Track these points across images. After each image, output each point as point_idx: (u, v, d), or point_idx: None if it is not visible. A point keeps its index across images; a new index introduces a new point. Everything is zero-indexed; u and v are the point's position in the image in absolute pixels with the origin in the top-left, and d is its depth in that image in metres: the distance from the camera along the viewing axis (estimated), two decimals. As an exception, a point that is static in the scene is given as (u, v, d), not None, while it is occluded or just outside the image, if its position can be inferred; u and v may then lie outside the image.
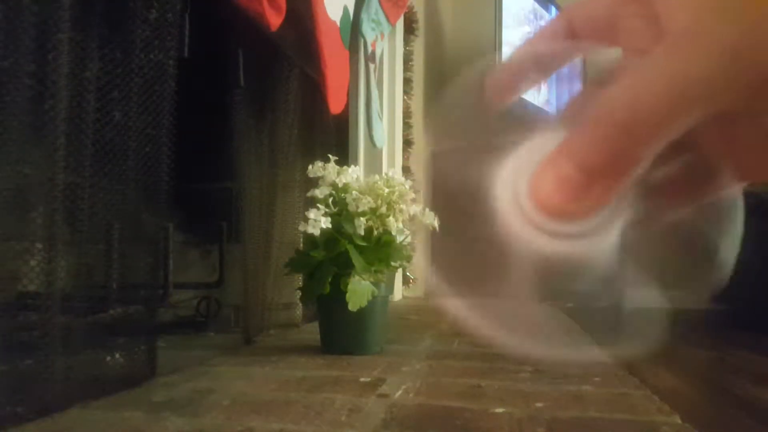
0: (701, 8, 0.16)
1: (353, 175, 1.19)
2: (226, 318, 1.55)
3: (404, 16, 2.38)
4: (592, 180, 0.17)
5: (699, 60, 0.16)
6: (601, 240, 0.18)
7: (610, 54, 0.20)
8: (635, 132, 0.16)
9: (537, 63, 0.22)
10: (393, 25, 2.22)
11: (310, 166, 1.20)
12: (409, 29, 2.52)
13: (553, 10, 3.14)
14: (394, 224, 1.16)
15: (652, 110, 0.16)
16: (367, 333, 1.18)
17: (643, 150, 0.16)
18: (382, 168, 2.18)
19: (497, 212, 0.19)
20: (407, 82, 2.52)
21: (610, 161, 0.17)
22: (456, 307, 0.21)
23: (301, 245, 1.25)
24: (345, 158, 2.04)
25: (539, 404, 0.81)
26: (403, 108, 2.50)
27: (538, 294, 0.20)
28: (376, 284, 1.14)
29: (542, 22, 3.08)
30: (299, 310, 1.59)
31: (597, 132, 0.17)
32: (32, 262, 0.73)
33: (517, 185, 0.18)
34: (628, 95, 0.16)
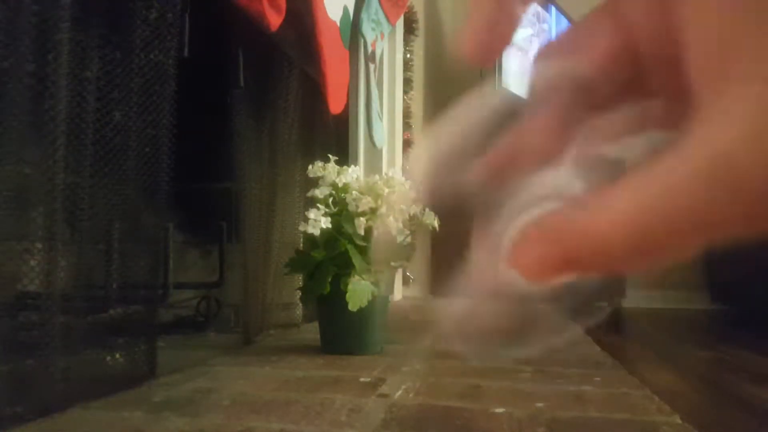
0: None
1: (353, 175, 1.19)
2: (226, 318, 1.55)
3: (404, 16, 2.38)
4: (573, 267, 0.16)
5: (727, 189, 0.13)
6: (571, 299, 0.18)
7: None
8: (632, 250, 0.15)
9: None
10: (393, 25, 2.22)
11: (310, 166, 1.20)
12: (409, 29, 2.53)
13: (553, 10, 3.14)
14: (394, 224, 1.16)
15: (654, 235, 0.14)
16: (367, 333, 1.18)
17: (633, 265, 0.15)
18: (382, 168, 2.18)
19: (473, 267, 0.18)
20: (407, 82, 2.52)
21: (598, 264, 0.15)
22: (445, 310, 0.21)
23: (301, 245, 1.25)
24: (345, 158, 2.04)
25: (539, 404, 0.81)
26: (403, 108, 2.50)
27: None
28: (376, 284, 1.14)
29: (543, 23, 3.07)
30: (299, 310, 1.59)
31: (592, 235, 0.15)
32: (32, 262, 0.73)
33: (498, 245, 0.18)
34: (629, 213, 0.14)
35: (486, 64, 0.18)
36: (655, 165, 0.14)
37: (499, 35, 0.17)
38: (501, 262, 0.17)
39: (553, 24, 3.15)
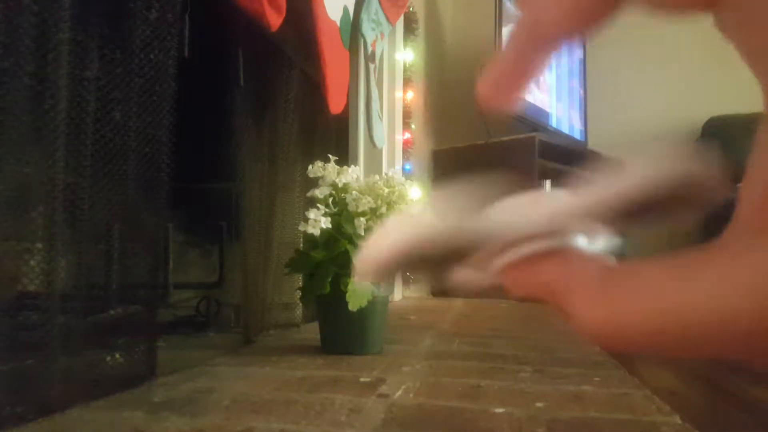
0: None
1: (353, 175, 1.19)
2: (226, 318, 1.55)
3: (404, 16, 2.38)
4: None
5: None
6: None
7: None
8: (638, 347, 0.14)
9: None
10: (393, 25, 2.22)
11: (310, 166, 1.20)
12: (409, 29, 2.53)
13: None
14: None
15: (673, 340, 0.13)
16: (367, 333, 1.18)
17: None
18: (382, 168, 2.18)
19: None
20: (407, 82, 2.52)
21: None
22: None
23: (301, 245, 1.25)
24: (345, 158, 2.04)
25: (539, 404, 0.81)
26: (403, 108, 2.50)
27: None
28: (376, 284, 1.14)
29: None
30: (299, 310, 1.59)
31: (598, 325, 0.15)
32: (32, 262, 0.73)
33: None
34: (649, 320, 0.13)
35: (500, 107, 0.18)
36: (681, 269, 0.13)
37: (515, 82, 0.17)
38: (486, 269, 0.17)
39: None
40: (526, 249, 0.17)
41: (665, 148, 0.16)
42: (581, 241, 0.17)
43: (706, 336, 0.13)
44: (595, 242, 0.17)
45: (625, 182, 0.16)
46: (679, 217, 0.17)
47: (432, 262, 0.18)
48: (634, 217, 0.16)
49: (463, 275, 0.18)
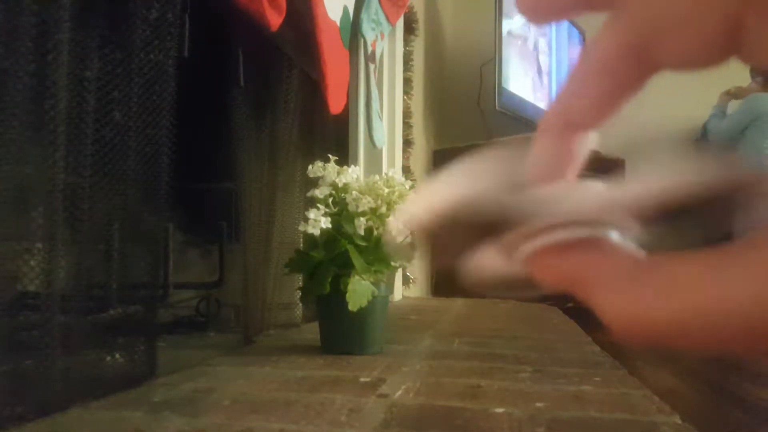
0: None
1: (353, 175, 1.19)
2: (226, 318, 1.55)
3: (404, 16, 2.38)
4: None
5: None
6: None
7: None
8: (668, 341, 0.14)
9: None
10: (393, 25, 2.22)
11: (310, 166, 1.20)
12: (409, 29, 2.52)
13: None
14: (395, 224, 1.16)
15: (703, 337, 0.13)
16: (367, 333, 1.18)
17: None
18: (382, 168, 2.18)
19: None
20: (407, 82, 2.52)
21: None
22: None
23: (301, 245, 1.25)
24: (345, 158, 2.04)
25: (539, 404, 0.81)
26: (403, 108, 2.50)
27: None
28: (376, 284, 1.14)
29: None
30: (299, 310, 1.59)
31: (628, 315, 0.14)
32: (32, 262, 0.73)
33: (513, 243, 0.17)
34: (683, 314, 0.13)
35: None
36: (717, 264, 0.13)
37: (560, 168, 0.18)
38: (513, 259, 0.17)
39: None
40: (557, 235, 0.16)
41: (696, 153, 0.16)
42: (613, 234, 0.17)
43: (740, 330, 0.13)
44: (627, 237, 0.17)
45: (665, 181, 0.15)
46: (712, 224, 0.17)
47: (466, 233, 0.18)
48: (667, 220, 0.16)
49: (487, 260, 0.18)
